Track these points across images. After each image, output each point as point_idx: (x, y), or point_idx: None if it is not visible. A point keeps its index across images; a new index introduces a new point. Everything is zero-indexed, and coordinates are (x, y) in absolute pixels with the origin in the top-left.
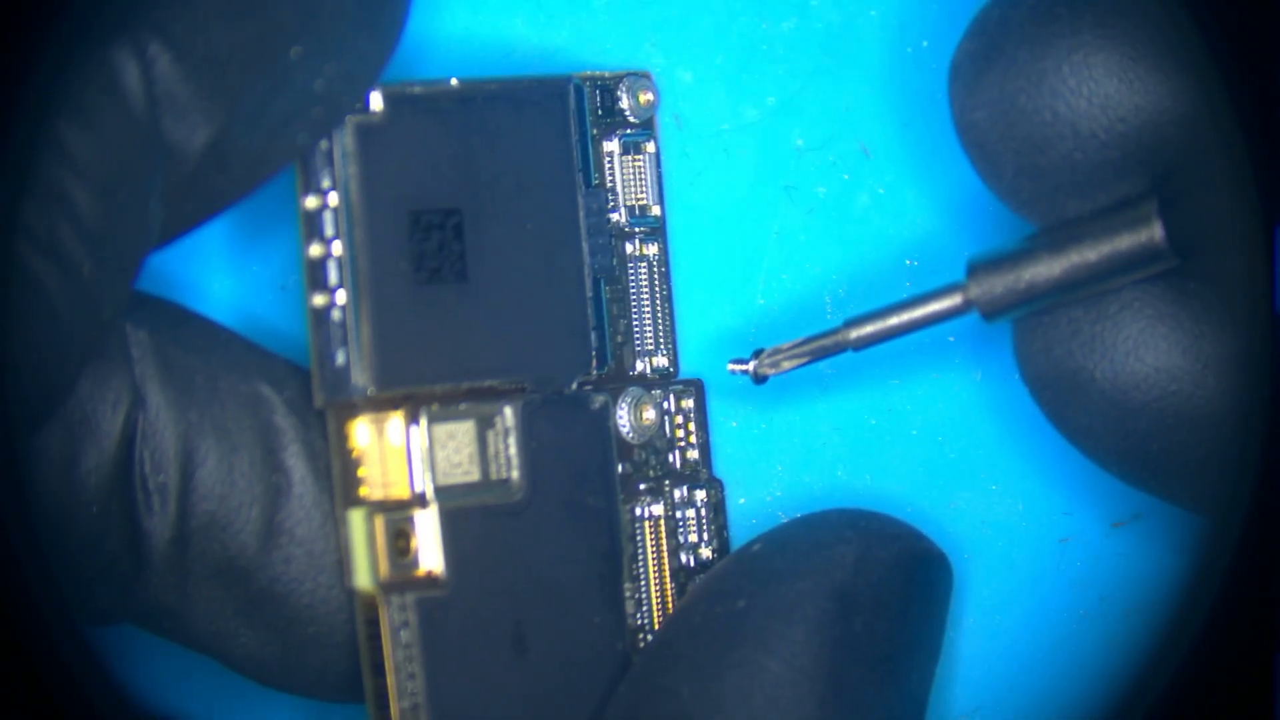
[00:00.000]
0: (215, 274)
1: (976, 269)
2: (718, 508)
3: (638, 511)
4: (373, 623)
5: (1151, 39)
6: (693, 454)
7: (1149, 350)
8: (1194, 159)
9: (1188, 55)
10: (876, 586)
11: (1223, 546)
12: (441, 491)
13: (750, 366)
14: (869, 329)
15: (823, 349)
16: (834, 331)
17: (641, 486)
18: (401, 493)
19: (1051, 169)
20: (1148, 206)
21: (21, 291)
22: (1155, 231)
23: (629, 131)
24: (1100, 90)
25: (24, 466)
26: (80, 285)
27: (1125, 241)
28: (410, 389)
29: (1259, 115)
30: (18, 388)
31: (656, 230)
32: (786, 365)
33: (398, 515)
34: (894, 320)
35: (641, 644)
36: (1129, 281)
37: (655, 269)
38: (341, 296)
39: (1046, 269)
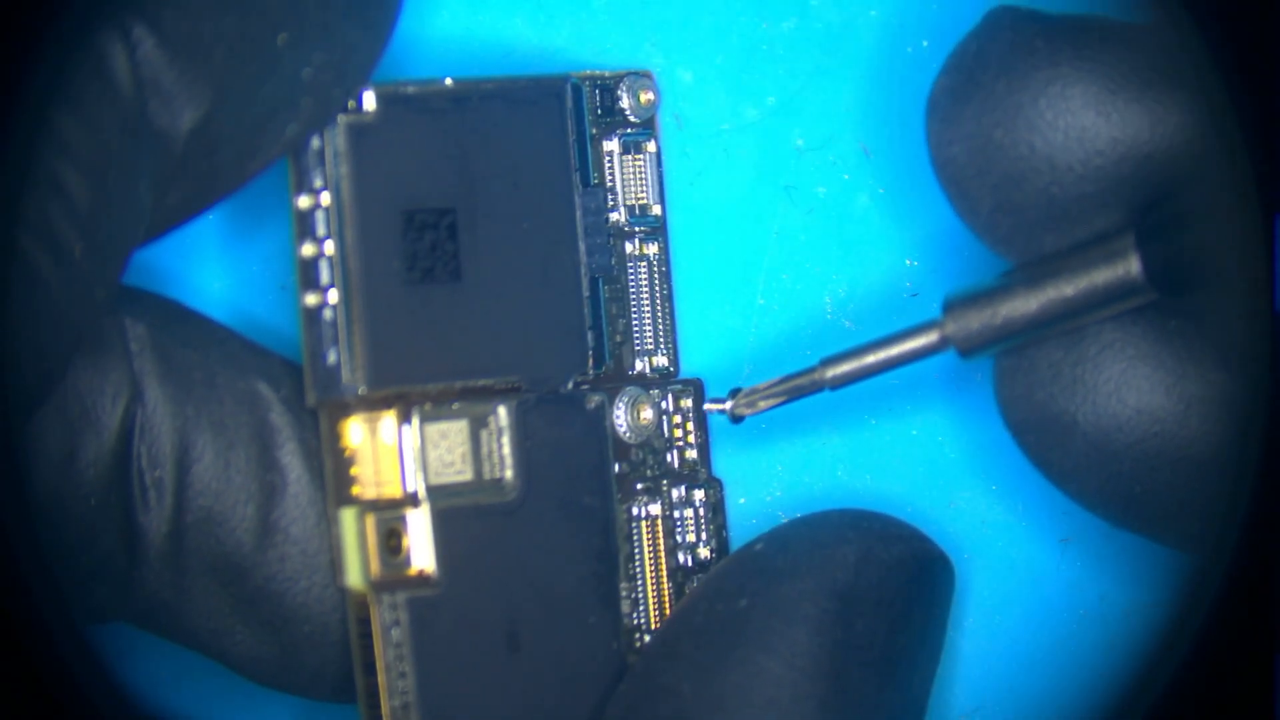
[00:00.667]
0: (212, 273)
1: (952, 305)
2: (716, 507)
3: (635, 511)
4: (364, 621)
5: (1130, 71)
6: (691, 454)
7: (1131, 391)
8: (1173, 192)
9: (1168, 87)
10: (878, 587)
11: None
12: (434, 491)
13: (727, 406)
14: (845, 368)
15: (799, 389)
16: (810, 370)
17: (639, 486)
18: (393, 492)
19: (1028, 204)
20: (1125, 240)
21: (14, 274)
22: (1132, 266)
23: (629, 131)
24: (1077, 123)
25: (20, 454)
26: (72, 267)
27: (1102, 276)
28: (403, 388)
29: (1244, 146)
30: (11, 371)
31: (657, 230)
32: (763, 405)
33: (389, 514)
34: (870, 359)
35: (637, 644)
36: (1108, 315)
37: (655, 268)
38: (334, 296)
39: (1023, 305)
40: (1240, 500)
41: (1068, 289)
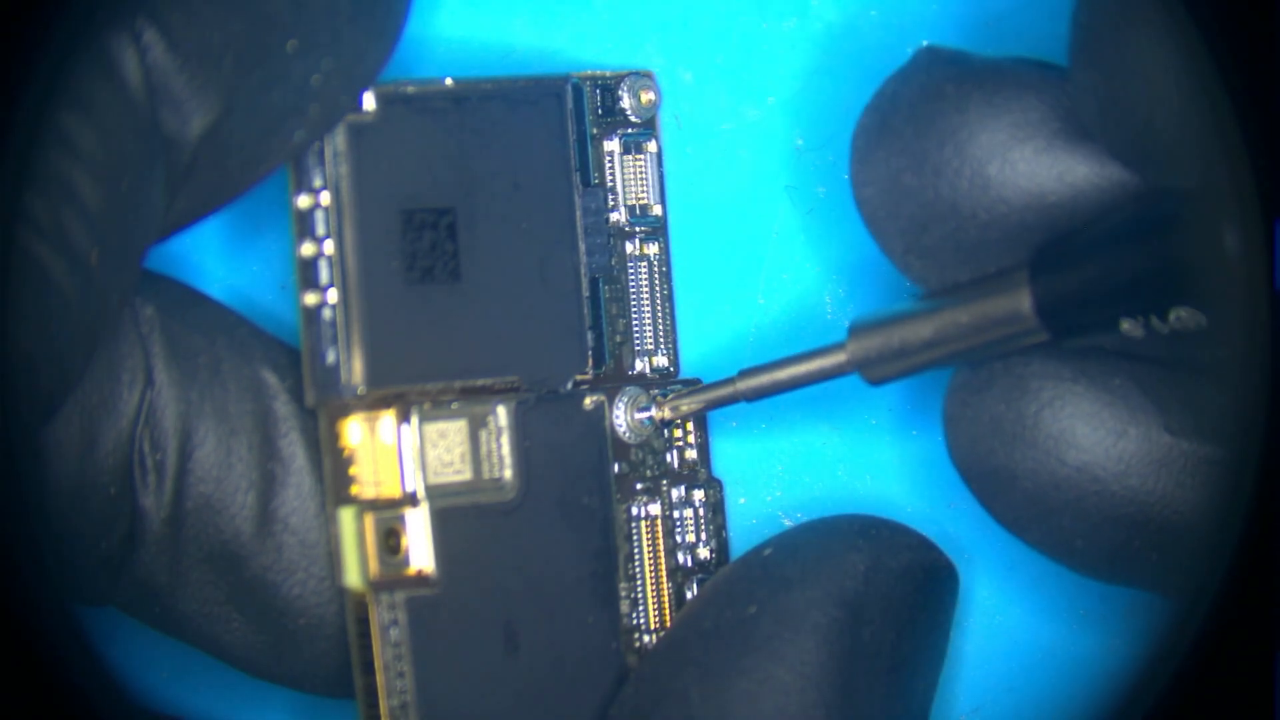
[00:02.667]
0: (212, 272)
1: (856, 329)
2: (716, 508)
3: (634, 511)
4: (363, 621)
5: (1040, 121)
6: (691, 454)
7: (1070, 450)
8: (1080, 238)
9: (1073, 137)
10: (886, 596)
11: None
12: (432, 490)
13: (652, 411)
14: (757, 382)
15: (718, 399)
16: (729, 381)
17: (638, 486)
18: (392, 491)
19: (936, 247)
20: (1019, 274)
21: (29, 280)
22: (1023, 300)
23: (630, 131)
24: (982, 172)
25: (36, 455)
26: (87, 272)
27: (994, 307)
28: (402, 388)
29: (1156, 193)
30: (30, 376)
31: (658, 230)
32: (685, 410)
33: (388, 514)
34: (781, 375)
35: (637, 644)
36: (1007, 350)
37: (655, 268)
38: (333, 295)
39: (919, 330)
40: (1184, 550)
41: (962, 316)
